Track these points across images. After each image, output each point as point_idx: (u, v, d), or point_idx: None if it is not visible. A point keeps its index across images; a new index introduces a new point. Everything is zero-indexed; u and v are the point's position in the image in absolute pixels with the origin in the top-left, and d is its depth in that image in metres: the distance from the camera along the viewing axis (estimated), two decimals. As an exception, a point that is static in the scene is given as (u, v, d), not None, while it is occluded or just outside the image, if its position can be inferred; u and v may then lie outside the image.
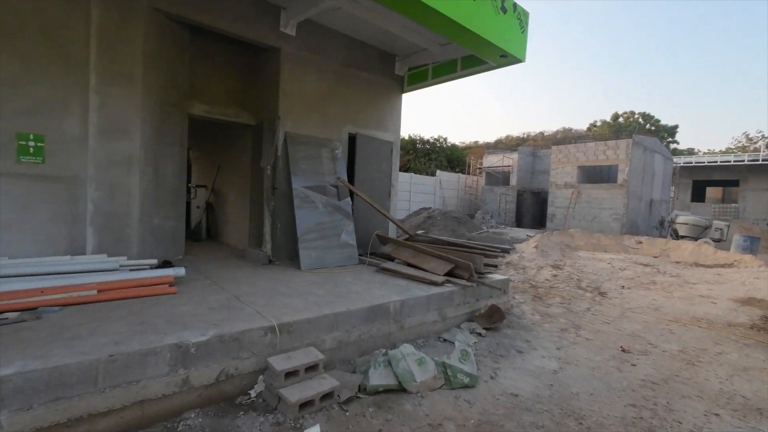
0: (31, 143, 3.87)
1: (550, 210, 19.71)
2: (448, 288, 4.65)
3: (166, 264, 4.91)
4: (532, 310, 5.74)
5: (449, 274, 5.04)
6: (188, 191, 8.20)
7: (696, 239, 14.90)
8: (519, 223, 23.66)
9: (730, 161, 27.28)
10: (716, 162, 27.73)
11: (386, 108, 7.18)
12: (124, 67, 4.36)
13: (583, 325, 5.11)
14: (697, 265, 11.60)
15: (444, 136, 45.99)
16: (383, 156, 7.16)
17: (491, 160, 24.51)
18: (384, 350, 3.49)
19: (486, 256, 5.37)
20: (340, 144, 6.39)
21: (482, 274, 5.25)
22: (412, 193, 22.35)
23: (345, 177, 6.30)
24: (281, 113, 5.71)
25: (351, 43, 6.52)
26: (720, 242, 14.65)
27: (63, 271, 3.62)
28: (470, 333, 4.39)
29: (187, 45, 5.46)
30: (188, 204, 7.93)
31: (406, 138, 43.86)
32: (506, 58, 5.39)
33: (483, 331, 4.48)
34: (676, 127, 41.88)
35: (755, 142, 40.34)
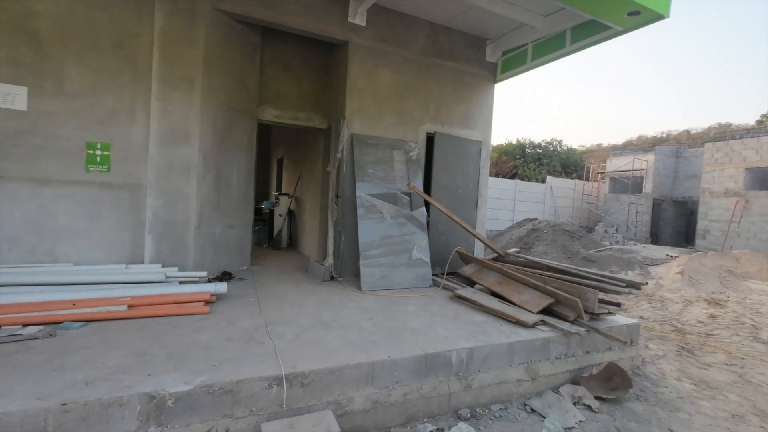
0: (99, 152, 3.95)
1: (701, 224, 15.49)
2: (542, 333, 3.40)
3: (225, 276, 4.69)
4: (678, 371, 3.99)
5: (546, 311, 3.76)
6: (275, 199, 8.28)
7: None
8: (655, 239, 19.34)
9: None
10: None
11: (474, 101, 6.08)
12: (184, 72, 4.26)
13: (774, 411, 3.26)
14: None
15: (558, 139, 41.41)
16: (469, 158, 6.06)
17: (617, 164, 20.60)
18: (431, 428, 2.48)
19: (603, 290, 3.89)
20: (416, 145, 5.54)
21: (596, 315, 3.81)
22: (518, 202, 20.11)
23: (420, 183, 5.42)
24: (348, 113, 5.13)
25: (431, 29, 5.64)
26: None
27: (107, 281, 3.53)
28: (573, 404, 3.06)
29: (257, 48, 5.27)
30: (272, 212, 7.98)
31: (514, 142, 40.75)
32: (638, 15, 3.88)
33: (595, 403, 3.10)
34: None
35: None
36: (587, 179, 22.25)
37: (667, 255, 14.13)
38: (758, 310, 6.97)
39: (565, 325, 3.53)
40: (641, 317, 6.28)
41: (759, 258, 12.05)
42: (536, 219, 13.43)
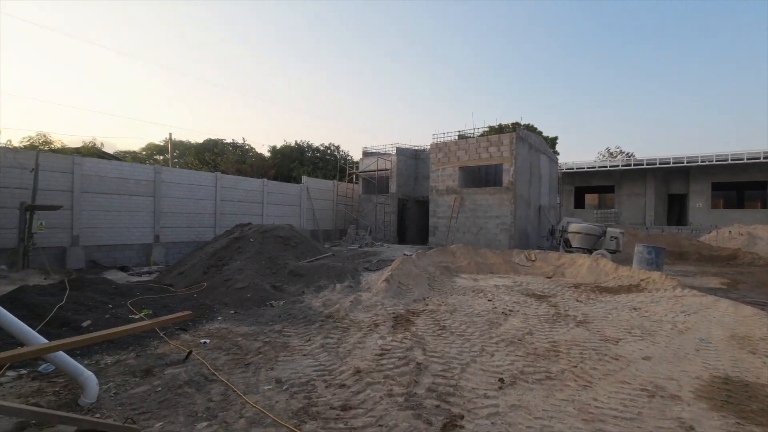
0: None
1: (431, 221, 16.19)
2: None
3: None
4: None
5: None
6: None
7: (590, 251, 12.36)
8: (402, 238, 19.91)
9: (606, 166, 27.64)
10: (595, 168, 27.91)
11: None
12: None
13: None
14: (599, 289, 8.47)
15: (336, 144, 41.72)
16: None
17: (367, 163, 20.54)
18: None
19: None
20: None
21: None
22: (268, 206, 17.17)
23: None
24: None
25: None
26: (616, 253, 12.25)
27: None
28: None
29: None
30: None
31: (292, 144, 38.69)
32: None
33: None
34: (556, 138, 43.54)
35: (615, 157, 43.75)
36: (342, 180, 21.43)
37: (405, 254, 13.73)
38: (443, 324, 5.55)
39: None
40: (277, 381, 3.65)
41: (469, 251, 12.59)
42: (250, 224, 10.45)
